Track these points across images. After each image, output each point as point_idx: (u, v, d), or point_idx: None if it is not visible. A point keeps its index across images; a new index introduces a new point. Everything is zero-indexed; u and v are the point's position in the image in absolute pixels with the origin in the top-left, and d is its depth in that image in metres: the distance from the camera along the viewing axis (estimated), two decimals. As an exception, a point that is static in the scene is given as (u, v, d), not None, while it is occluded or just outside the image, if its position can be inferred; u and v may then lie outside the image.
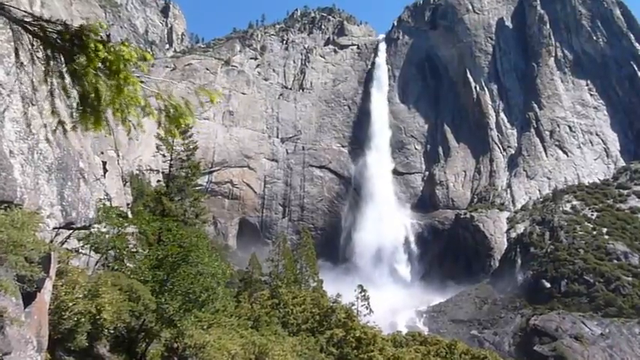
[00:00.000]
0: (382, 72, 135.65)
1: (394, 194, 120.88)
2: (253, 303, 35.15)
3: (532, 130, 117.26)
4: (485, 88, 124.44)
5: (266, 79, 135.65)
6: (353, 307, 37.43)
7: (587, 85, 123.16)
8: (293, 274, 48.81)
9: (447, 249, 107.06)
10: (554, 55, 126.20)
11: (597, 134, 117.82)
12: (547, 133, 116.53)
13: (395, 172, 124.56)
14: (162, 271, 14.77)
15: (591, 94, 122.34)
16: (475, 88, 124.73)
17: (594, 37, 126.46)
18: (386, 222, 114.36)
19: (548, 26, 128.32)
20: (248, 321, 26.82)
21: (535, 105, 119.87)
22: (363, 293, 41.65)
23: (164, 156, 31.67)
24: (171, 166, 31.35)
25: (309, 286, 50.49)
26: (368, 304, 41.08)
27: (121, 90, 3.87)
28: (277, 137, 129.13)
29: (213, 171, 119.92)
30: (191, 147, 32.05)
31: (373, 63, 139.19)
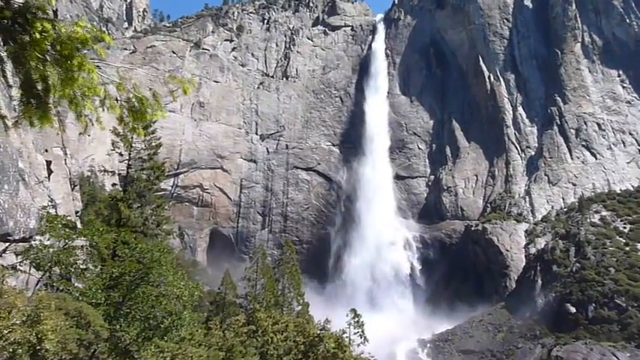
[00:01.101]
0: (380, 58, 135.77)
1: (394, 202, 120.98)
2: (226, 330, 35.04)
3: (555, 127, 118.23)
4: (501, 79, 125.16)
5: (243, 65, 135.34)
6: (344, 336, 37.34)
7: (618, 75, 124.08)
8: (273, 296, 48.72)
9: (456, 267, 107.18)
10: (580, 40, 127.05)
11: (630, 133, 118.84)
12: (572, 131, 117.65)
13: (394, 175, 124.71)
14: (118, 293, 14.69)
15: (624, 87, 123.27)
16: (489, 78, 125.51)
17: (627, 20, 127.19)
18: (384, 234, 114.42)
19: (574, 7, 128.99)
20: (220, 352, 26.80)
21: (558, 98, 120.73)
22: (356, 319, 41.54)
23: (121, 155, 31.61)
24: (129, 166, 31.43)
25: (293, 310, 50.49)
26: (362, 331, 40.98)
27: (75, 78, 3.80)
28: (256, 134, 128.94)
29: (180, 173, 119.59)
30: (154, 144, 31.96)
31: (370, 48, 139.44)
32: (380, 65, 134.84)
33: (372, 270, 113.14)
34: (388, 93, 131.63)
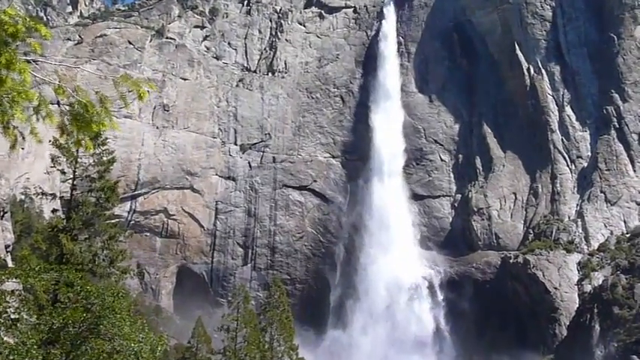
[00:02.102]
0: (390, 47, 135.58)
1: (411, 229, 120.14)
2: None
3: (612, 132, 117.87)
4: (543, 71, 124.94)
5: (218, 58, 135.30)
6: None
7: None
8: (259, 351, 48.49)
9: (491, 310, 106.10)
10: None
11: None
12: (634, 136, 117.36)
13: (411, 195, 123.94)
14: (60, 349, 14.57)
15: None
16: (527, 70, 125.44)
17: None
18: (399, 270, 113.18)
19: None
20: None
21: (616, 95, 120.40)
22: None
23: (63, 173, 31.75)
24: (74, 187, 31.38)
25: (284, 369, 50.11)
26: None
27: (2, 81, 3.79)
28: (235, 144, 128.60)
29: (139, 195, 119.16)
30: (105, 159, 32.11)
31: (377, 34, 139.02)
32: (390, 56, 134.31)
33: (384, 316, 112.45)
34: (402, 90, 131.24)
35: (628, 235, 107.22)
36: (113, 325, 14.90)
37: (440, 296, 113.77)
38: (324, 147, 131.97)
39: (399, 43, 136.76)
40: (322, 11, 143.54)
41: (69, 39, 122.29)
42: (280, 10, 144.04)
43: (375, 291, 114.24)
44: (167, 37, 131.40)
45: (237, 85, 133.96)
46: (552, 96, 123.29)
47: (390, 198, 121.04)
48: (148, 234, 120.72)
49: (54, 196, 41.69)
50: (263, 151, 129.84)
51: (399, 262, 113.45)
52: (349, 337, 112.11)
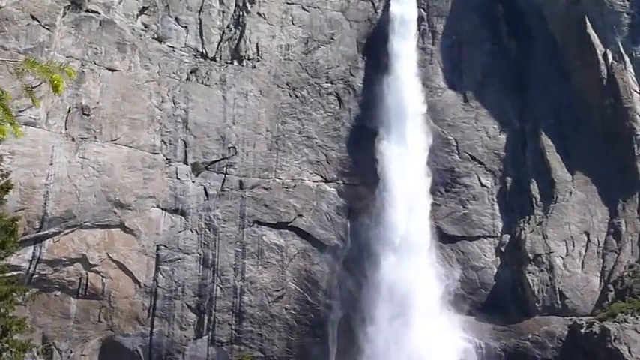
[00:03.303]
0: (407, 25, 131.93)
1: (437, 285, 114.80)
2: None
3: None
4: (626, 58, 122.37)
5: (161, 40, 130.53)
6: None
7: None
8: None
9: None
10: None
11: None
12: None
13: (439, 236, 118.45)
14: None
15: None
16: (604, 57, 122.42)
17: None
18: (421, 345, 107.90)
19: None
20: None
21: None
22: None
23: None
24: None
25: None
26: None
27: None
28: (185, 163, 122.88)
29: (46, 237, 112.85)
30: None
31: (388, 5, 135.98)
32: (408, 36, 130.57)
33: None
34: (424, 85, 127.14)
35: None
36: None
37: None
38: (313, 167, 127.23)
39: (421, 18, 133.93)
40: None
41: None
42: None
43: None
44: (87, 10, 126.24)
45: (187, 79, 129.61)
46: None
47: (408, 239, 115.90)
48: (59, 293, 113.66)
49: None
50: (225, 173, 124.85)
51: (421, 334, 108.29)
52: None
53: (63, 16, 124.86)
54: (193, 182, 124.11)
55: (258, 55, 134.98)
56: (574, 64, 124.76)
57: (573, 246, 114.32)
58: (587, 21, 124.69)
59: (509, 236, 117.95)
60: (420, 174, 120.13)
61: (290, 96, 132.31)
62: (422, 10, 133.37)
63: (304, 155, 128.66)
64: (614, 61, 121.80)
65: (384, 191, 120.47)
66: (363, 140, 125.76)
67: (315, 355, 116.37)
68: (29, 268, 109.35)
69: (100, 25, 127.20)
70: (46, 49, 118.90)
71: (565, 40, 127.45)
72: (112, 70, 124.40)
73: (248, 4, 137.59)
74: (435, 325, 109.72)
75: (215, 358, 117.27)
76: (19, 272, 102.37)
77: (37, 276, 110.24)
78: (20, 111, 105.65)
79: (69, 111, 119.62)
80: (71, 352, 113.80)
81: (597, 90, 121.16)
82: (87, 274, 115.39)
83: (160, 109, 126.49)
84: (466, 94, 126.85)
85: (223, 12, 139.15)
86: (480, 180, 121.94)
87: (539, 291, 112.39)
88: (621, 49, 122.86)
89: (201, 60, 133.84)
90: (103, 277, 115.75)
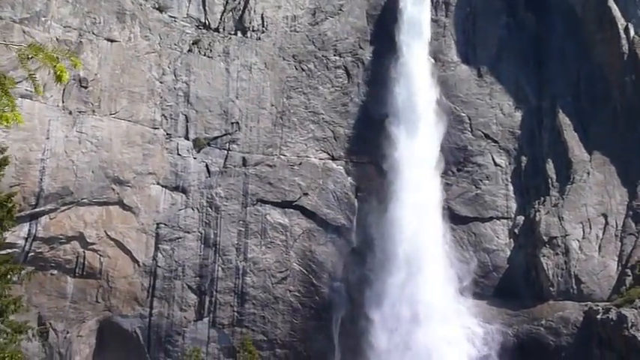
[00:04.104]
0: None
1: (449, 268, 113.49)
2: None
3: None
4: None
5: (162, 10, 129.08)
6: None
7: None
8: None
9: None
10: None
11: None
12: None
13: (450, 216, 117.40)
14: None
15: None
16: (626, 30, 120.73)
17: None
18: (430, 329, 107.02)
19: None
20: None
21: None
22: None
23: None
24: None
25: None
26: None
27: None
28: (186, 138, 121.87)
29: (42, 214, 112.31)
30: None
31: None
32: (420, 8, 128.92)
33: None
34: (436, 60, 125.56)
35: None
36: None
37: (494, 353, 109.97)
38: (320, 143, 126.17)
39: None
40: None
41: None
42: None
43: (395, 352, 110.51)
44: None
45: (189, 50, 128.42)
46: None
47: (417, 220, 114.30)
48: (55, 272, 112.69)
49: None
50: (228, 149, 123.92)
51: (430, 318, 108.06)
52: None
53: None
54: (195, 158, 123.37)
55: (263, 27, 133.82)
56: (594, 38, 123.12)
57: (590, 229, 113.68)
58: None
59: (523, 218, 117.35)
60: (430, 154, 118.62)
61: (296, 69, 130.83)
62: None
63: (310, 131, 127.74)
64: (636, 36, 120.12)
65: (391, 170, 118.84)
66: (372, 116, 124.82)
67: (319, 337, 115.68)
68: (24, 245, 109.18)
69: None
70: (43, 19, 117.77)
71: (585, 13, 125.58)
72: (111, 41, 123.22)
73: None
74: (443, 308, 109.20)
75: (216, 341, 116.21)
76: (14, 250, 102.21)
77: (32, 254, 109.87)
78: (15, 83, 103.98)
79: (65, 84, 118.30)
80: (67, 332, 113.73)
81: (618, 66, 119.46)
82: (84, 252, 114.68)
83: (161, 82, 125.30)
84: (480, 68, 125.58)
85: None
86: (493, 159, 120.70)
87: (554, 275, 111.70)
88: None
89: (204, 31, 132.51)
90: (100, 255, 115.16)
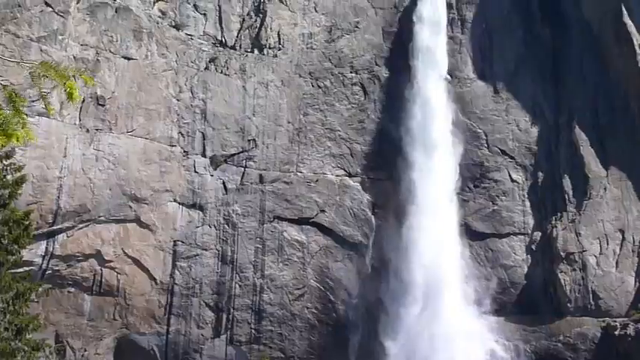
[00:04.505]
0: (436, 11, 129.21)
1: (465, 285, 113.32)
2: None
3: None
4: None
5: (179, 28, 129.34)
6: None
7: None
8: None
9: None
10: None
11: None
12: None
13: (467, 233, 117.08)
14: None
15: None
16: None
17: None
18: (447, 347, 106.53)
19: None
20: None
21: None
22: None
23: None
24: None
25: None
26: None
27: None
28: (203, 155, 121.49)
29: (59, 231, 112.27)
30: (9, 179, 36.43)
31: None
32: (436, 24, 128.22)
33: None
34: (452, 76, 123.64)
35: None
36: None
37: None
38: (336, 160, 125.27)
39: (450, 5, 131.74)
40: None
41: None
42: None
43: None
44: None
45: (206, 68, 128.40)
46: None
47: (436, 247, 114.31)
48: (73, 290, 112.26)
49: None
50: (245, 167, 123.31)
51: (446, 329, 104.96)
52: None
53: (77, 3, 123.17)
54: (212, 176, 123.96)
55: (279, 44, 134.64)
56: (611, 53, 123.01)
57: (607, 244, 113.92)
58: (624, 9, 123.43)
59: (540, 234, 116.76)
60: (447, 170, 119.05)
61: (312, 86, 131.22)
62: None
63: (327, 148, 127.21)
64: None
65: (410, 187, 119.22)
66: (389, 133, 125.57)
67: (337, 356, 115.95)
68: (42, 263, 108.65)
69: (116, 11, 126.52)
70: (60, 37, 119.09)
71: (601, 28, 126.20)
72: (128, 59, 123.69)
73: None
74: (460, 325, 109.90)
75: (234, 358, 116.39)
76: (31, 268, 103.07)
77: (49, 272, 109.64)
78: (32, 101, 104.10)
79: (83, 101, 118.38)
80: (85, 350, 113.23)
81: (635, 81, 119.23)
82: (101, 270, 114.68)
83: (178, 100, 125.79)
84: (496, 84, 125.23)
85: (242, 3, 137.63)
86: (510, 175, 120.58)
87: (572, 291, 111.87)
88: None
89: (221, 48, 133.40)
90: (117, 273, 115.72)
